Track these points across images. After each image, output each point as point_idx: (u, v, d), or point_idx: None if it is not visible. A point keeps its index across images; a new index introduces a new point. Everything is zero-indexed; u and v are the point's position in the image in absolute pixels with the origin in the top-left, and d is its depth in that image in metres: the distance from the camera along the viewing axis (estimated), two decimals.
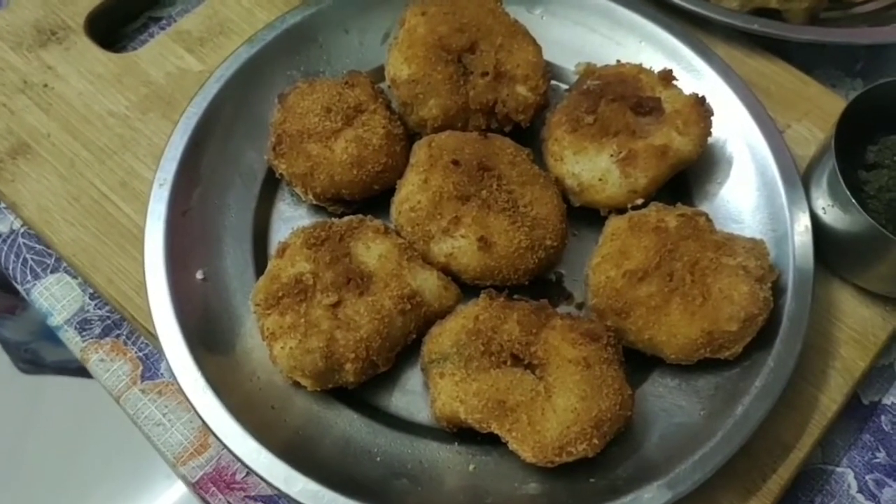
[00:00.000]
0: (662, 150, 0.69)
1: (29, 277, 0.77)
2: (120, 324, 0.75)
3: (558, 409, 0.60)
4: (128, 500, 1.64)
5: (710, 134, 0.72)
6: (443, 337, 0.64)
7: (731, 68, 0.78)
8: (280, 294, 0.64)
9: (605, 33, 0.81)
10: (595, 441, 0.59)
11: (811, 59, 0.87)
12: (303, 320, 0.63)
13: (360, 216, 0.69)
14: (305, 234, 0.67)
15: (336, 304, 0.63)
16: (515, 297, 0.66)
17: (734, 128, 0.75)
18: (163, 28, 0.90)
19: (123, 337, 0.75)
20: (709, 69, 0.77)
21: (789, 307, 0.66)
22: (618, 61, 0.76)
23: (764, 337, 0.65)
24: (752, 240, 0.67)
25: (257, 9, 0.87)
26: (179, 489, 1.60)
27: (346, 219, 0.69)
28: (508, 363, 0.62)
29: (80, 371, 1.34)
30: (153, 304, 0.66)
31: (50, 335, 1.32)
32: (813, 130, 0.80)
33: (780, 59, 0.84)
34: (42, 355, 1.57)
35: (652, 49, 0.79)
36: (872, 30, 0.84)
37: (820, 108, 0.81)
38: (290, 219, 0.75)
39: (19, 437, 1.71)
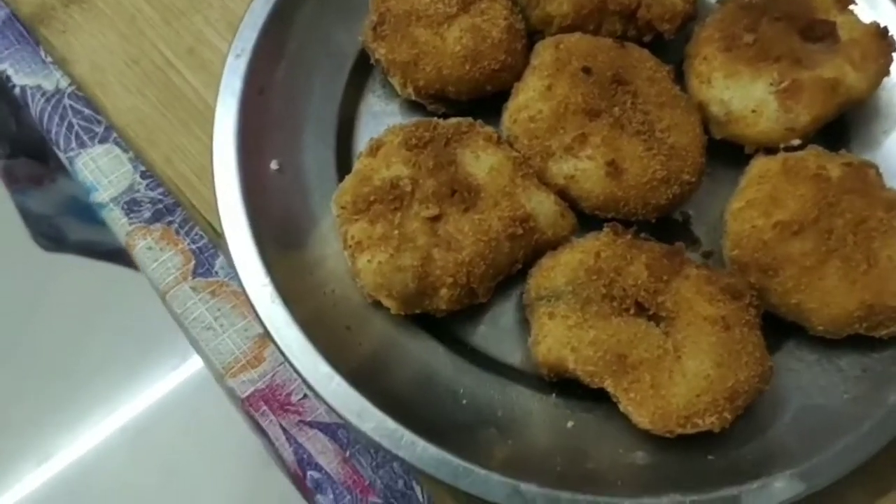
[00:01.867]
0: (832, 84, 0.59)
1: (74, 145, 0.68)
2: (174, 210, 0.66)
3: (688, 372, 0.51)
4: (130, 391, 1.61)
5: (888, 73, 0.61)
6: (556, 271, 0.54)
7: None
8: (371, 198, 0.55)
9: None
10: (727, 415, 0.51)
11: None
12: (396, 232, 0.53)
13: (470, 119, 0.59)
14: (406, 133, 0.57)
15: (436, 218, 0.54)
16: (643, 235, 0.56)
17: None
18: None
19: (176, 225, 0.66)
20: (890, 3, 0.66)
21: None
22: None
23: None
24: None
25: None
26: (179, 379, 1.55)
27: (453, 120, 0.59)
28: (632, 312, 0.53)
29: (107, 255, 1.25)
30: (219, 192, 0.57)
31: (79, 211, 1.24)
32: None
33: None
34: (65, 232, 1.49)
35: None
36: None
37: None
38: (380, 114, 0.65)
39: (26, 316, 1.66)
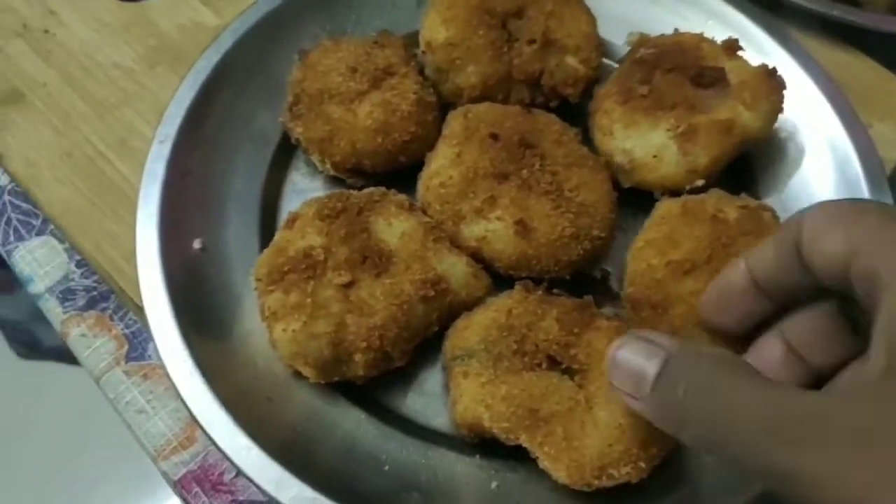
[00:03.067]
0: (727, 125, 0.61)
1: (12, 239, 0.70)
2: (107, 296, 0.67)
3: (600, 423, 0.51)
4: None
5: (781, 110, 0.63)
6: (469, 331, 0.55)
7: (807, 52, 0.69)
8: (286, 269, 0.56)
9: (668, 5, 0.72)
10: (641, 464, 0.50)
11: (894, 54, 0.78)
12: (309, 300, 0.54)
13: (383, 189, 0.61)
14: (319, 204, 0.58)
15: (349, 285, 0.55)
16: (555, 291, 0.57)
17: (808, 115, 0.67)
18: None
19: (110, 311, 0.67)
20: (781, 50, 0.69)
21: None
22: (675, 30, 0.68)
23: None
24: None
25: None
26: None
27: (366, 191, 0.60)
28: (544, 366, 0.53)
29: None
30: (141, 271, 0.58)
31: None
32: None
33: (860, 52, 0.76)
34: (39, 337, 1.49)
35: (720, 27, 0.71)
36: None
37: None
38: (304, 191, 0.67)
39: (16, 430, 1.61)
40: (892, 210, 0.46)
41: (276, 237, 0.58)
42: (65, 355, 1.37)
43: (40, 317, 1.33)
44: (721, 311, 0.52)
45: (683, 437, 0.42)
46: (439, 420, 0.58)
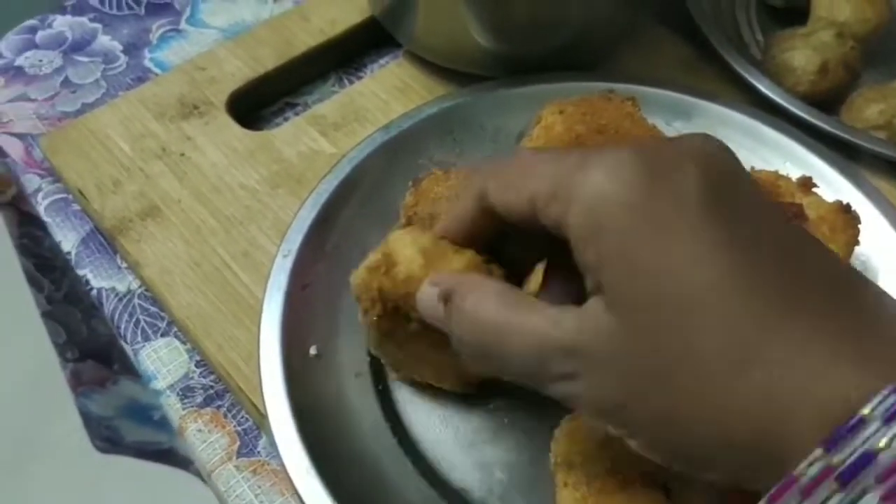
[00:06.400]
0: None
1: (139, 339, 0.76)
2: (223, 395, 0.73)
3: None
4: None
5: (857, 243, 0.67)
6: (574, 437, 0.59)
7: (878, 189, 0.74)
8: None
9: (750, 147, 0.78)
10: None
11: None
12: None
13: None
14: None
15: None
16: None
17: (881, 246, 0.71)
18: (298, 113, 0.92)
19: (224, 409, 0.72)
20: (853, 188, 0.74)
21: None
22: (752, 168, 0.74)
23: None
24: None
25: (393, 101, 0.88)
26: None
27: None
28: (637, 484, 0.56)
29: (157, 455, 1.31)
30: (264, 372, 0.64)
31: (134, 412, 1.31)
32: None
33: None
34: (122, 433, 1.55)
35: (796, 168, 0.76)
36: None
37: None
38: None
39: None
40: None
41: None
42: (144, 452, 1.43)
43: (126, 413, 1.39)
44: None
45: (463, 351, 0.49)
46: None
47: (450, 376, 0.66)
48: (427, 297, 0.52)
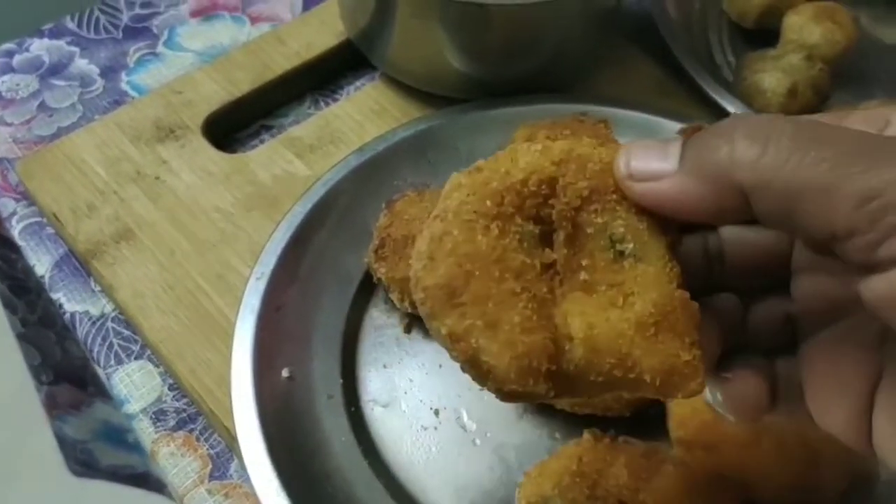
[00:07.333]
0: None
1: (112, 362, 0.76)
2: (195, 418, 0.73)
3: None
4: None
5: None
6: (543, 478, 0.59)
7: None
8: None
9: None
10: None
11: None
12: None
13: None
14: None
15: None
16: (621, 438, 0.61)
17: None
18: (273, 136, 0.92)
19: (197, 432, 0.72)
20: None
21: None
22: None
23: None
24: None
25: (368, 123, 0.89)
26: None
27: None
28: None
29: (132, 479, 1.30)
30: (235, 397, 0.64)
31: (109, 436, 1.30)
32: None
33: None
34: (97, 457, 1.53)
35: None
36: None
37: None
38: (382, 326, 0.73)
39: None
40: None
41: None
42: (119, 475, 1.42)
43: (101, 437, 1.38)
44: None
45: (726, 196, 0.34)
46: None
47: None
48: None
